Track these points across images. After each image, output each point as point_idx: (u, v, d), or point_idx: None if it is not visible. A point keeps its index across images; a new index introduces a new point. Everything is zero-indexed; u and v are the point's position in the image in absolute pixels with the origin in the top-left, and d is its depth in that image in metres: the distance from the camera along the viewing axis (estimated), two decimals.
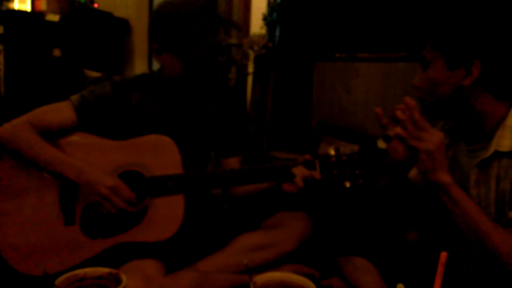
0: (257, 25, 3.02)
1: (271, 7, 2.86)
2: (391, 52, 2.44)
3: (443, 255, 0.65)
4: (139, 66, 3.43)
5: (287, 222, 1.30)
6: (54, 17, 3.09)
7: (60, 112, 1.26)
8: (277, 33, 2.83)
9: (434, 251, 0.73)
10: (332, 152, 1.16)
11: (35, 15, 3.05)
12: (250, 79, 2.98)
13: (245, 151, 1.45)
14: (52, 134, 1.25)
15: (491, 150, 0.98)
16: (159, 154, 1.23)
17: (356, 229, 1.22)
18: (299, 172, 1.12)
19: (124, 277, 0.74)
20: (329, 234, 1.25)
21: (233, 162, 1.40)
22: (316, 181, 1.12)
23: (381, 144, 1.23)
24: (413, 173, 1.19)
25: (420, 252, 1.16)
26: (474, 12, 0.98)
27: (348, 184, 1.14)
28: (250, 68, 2.95)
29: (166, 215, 1.20)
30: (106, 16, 3.35)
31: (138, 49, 3.38)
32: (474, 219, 0.92)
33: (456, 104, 1.00)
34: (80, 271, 0.77)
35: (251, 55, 2.90)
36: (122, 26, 3.43)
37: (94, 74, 2.96)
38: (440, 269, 0.64)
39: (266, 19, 2.88)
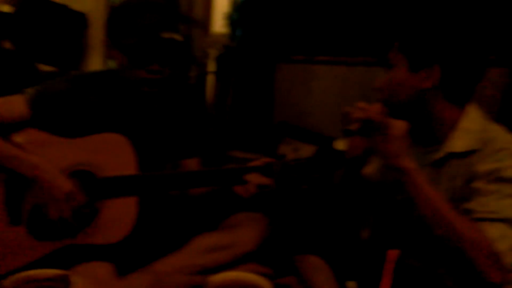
0: (219, 24, 3.01)
1: (233, 7, 2.86)
2: (350, 56, 2.50)
3: (392, 253, 0.67)
4: (96, 62, 3.33)
5: (245, 223, 1.30)
6: (6, 8, 2.94)
7: (13, 105, 1.20)
8: (239, 33, 2.83)
9: (385, 249, 0.76)
10: (289, 155, 1.18)
11: None
12: (211, 78, 2.97)
13: (204, 152, 1.44)
14: (2, 129, 1.19)
15: (444, 151, 1.04)
16: (113, 153, 1.19)
17: (311, 228, 1.24)
18: (253, 178, 1.13)
19: (73, 279, 0.72)
20: (285, 234, 1.26)
21: (192, 164, 1.39)
22: (270, 185, 1.13)
23: (339, 145, 1.26)
24: (368, 169, 1.23)
25: (371, 249, 1.19)
26: (437, 21, 1.04)
27: (304, 187, 1.16)
28: (211, 67, 2.94)
29: (118, 217, 1.17)
30: (61, 9, 3.23)
31: (95, 44, 3.27)
32: (438, 206, 0.95)
33: (416, 107, 1.05)
34: (27, 273, 0.74)
35: (212, 54, 2.89)
36: (79, 20, 3.32)
37: (48, 68, 2.84)
38: (389, 267, 0.66)
39: (228, 18, 2.87)
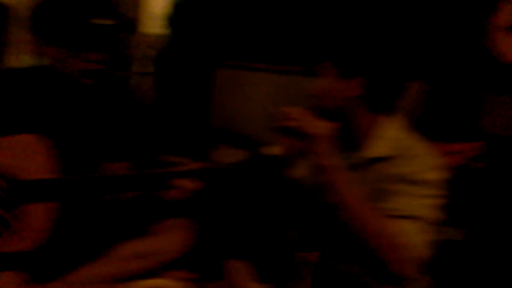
0: (151, 24, 2.95)
1: (172, 8, 2.82)
2: (285, 64, 2.56)
3: (309, 255, 0.69)
4: (19, 58, 3.12)
5: (171, 229, 1.28)
6: None
7: None
8: (176, 35, 2.79)
9: (312, 250, 0.79)
10: (223, 159, 1.18)
11: None
12: (146, 80, 2.89)
13: (134, 155, 1.40)
14: None
15: (363, 157, 1.12)
16: (31, 155, 1.11)
17: (240, 232, 1.25)
18: (182, 183, 1.11)
19: None
20: (214, 238, 1.26)
21: (119, 167, 1.34)
22: (200, 190, 1.13)
23: (271, 150, 1.28)
24: (297, 171, 1.27)
25: (299, 250, 1.23)
26: (365, 36, 1.13)
27: (238, 192, 1.17)
28: (146, 68, 2.86)
29: (32, 224, 1.09)
30: None
31: (19, 39, 3.07)
32: (355, 203, 1.00)
33: (342, 114, 1.11)
34: None
35: (148, 54, 2.82)
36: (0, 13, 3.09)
37: None
38: (307, 269, 0.68)
39: (166, 19, 2.82)
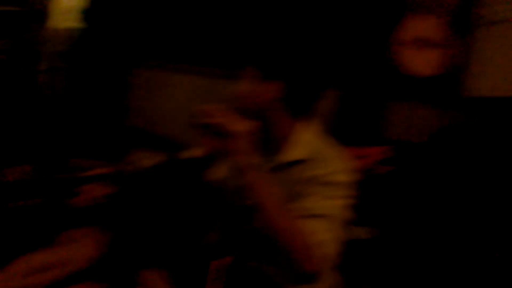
0: (65, 18, 2.76)
1: (88, 2, 2.66)
2: (208, 66, 2.54)
3: (224, 260, 0.68)
4: None
5: (80, 238, 1.20)
6: None
7: None
8: (91, 30, 2.64)
9: (228, 254, 0.78)
10: (139, 162, 1.13)
11: None
12: (56, 76, 2.69)
13: (39, 158, 1.29)
14: None
15: (280, 159, 1.14)
16: None
17: (153, 238, 1.21)
18: (92, 188, 1.05)
19: None
20: (127, 247, 1.20)
21: (21, 171, 1.23)
22: (112, 195, 1.07)
23: (191, 153, 1.25)
24: (219, 172, 1.26)
25: (215, 256, 1.22)
26: (287, 42, 1.14)
27: (153, 197, 1.13)
28: (57, 64, 2.67)
29: None
30: None
31: None
32: (271, 205, 1.01)
33: (262, 116, 1.13)
34: None
35: (58, 50, 2.63)
36: None
37: None
38: (222, 274, 0.67)
39: (81, 13, 2.66)
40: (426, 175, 2.07)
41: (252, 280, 1.13)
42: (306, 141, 1.14)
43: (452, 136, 2.19)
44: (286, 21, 2.18)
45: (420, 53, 2.29)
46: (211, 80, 2.52)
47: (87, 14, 2.64)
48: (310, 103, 1.16)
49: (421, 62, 2.31)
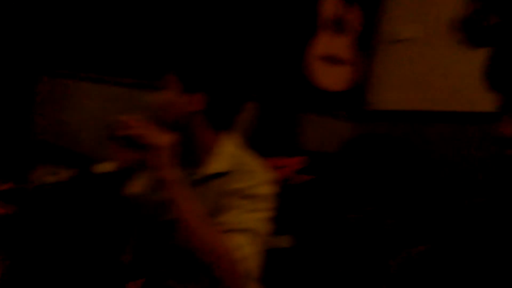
0: None
1: None
2: (121, 76, 2.44)
3: (136, 283, 0.65)
4: None
5: None
6: None
7: None
8: None
9: (144, 273, 0.74)
10: (45, 178, 1.04)
11: None
12: None
13: None
14: None
15: (202, 173, 1.12)
16: None
17: (60, 262, 1.12)
18: None
19: None
20: (30, 271, 1.09)
21: None
22: (9, 215, 0.97)
23: (104, 167, 1.18)
24: (136, 186, 1.21)
25: (135, 274, 1.16)
26: (207, 54, 1.15)
27: (59, 216, 1.04)
28: None
29: None
30: None
31: None
32: (193, 220, 0.98)
33: (182, 128, 1.10)
34: None
35: None
36: None
37: None
38: None
39: None
40: (338, 183, 2.18)
41: None
42: (229, 154, 1.14)
43: (359, 147, 2.34)
44: (207, 34, 2.18)
45: (329, 69, 2.43)
46: (124, 90, 2.43)
47: None
48: (232, 115, 1.16)
49: (330, 77, 2.45)
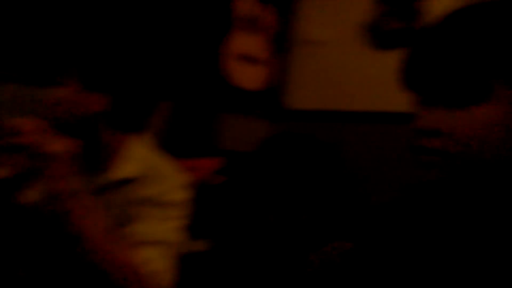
0: None
1: None
2: (14, 71, 2.19)
3: None
4: None
5: None
6: None
7: None
8: None
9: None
10: None
11: None
12: None
13: None
14: None
15: (109, 178, 1.02)
16: None
17: None
18: None
19: None
20: None
21: None
22: None
23: None
24: (30, 196, 1.06)
25: None
26: (111, 50, 1.02)
27: None
28: None
29: None
30: None
31: None
32: (95, 234, 0.88)
33: (84, 130, 0.99)
34: None
35: None
36: None
37: None
38: None
39: None
40: (256, 183, 2.17)
41: None
42: (138, 157, 1.05)
43: (275, 146, 2.36)
44: (112, 28, 2.04)
45: (244, 68, 2.41)
46: (19, 86, 2.18)
47: None
48: (141, 116, 1.07)
49: (246, 76, 2.43)
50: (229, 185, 2.10)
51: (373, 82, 2.23)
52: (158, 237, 0.96)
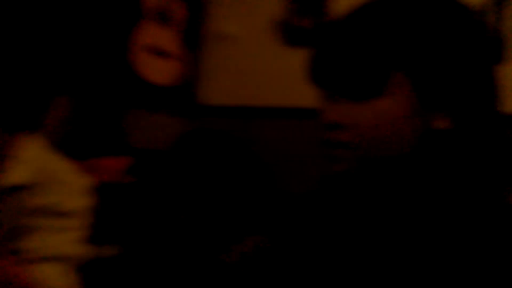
0: None
1: None
2: None
3: None
4: None
5: None
6: None
7: None
8: None
9: None
10: None
11: None
12: None
13: None
14: None
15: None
16: None
17: None
18: None
19: None
20: None
21: None
22: None
23: None
24: None
25: None
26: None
27: None
28: None
29: None
30: None
31: None
32: None
33: None
34: None
35: None
36: None
37: None
38: None
39: None
40: (169, 182, 2.11)
41: None
42: (30, 161, 0.94)
43: (190, 142, 2.31)
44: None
45: (155, 62, 2.32)
46: None
47: None
48: (33, 113, 0.96)
49: (157, 70, 2.34)
50: (139, 185, 2.01)
51: (285, 78, 2.28)
52: (55, 251, 0.88)
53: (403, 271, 0.56)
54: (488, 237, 0.53)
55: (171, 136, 2.32)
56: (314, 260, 0.64)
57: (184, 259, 1.86)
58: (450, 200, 0.57)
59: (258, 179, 2.22)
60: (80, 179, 0.97)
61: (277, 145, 2.29)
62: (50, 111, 0.99)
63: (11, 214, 0.90)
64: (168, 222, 1.97)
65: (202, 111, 2.53)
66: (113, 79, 2.20)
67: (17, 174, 0.92)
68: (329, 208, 0.67)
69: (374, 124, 0.57)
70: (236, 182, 2.15)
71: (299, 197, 0.74)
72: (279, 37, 2.34)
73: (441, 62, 0.56)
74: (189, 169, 2.15)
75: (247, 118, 2.40)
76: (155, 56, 2.31)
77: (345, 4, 0.62)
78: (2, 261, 0.81)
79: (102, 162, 1.91)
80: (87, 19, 2.07)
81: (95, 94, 2.12)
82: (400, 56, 0.56)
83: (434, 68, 0.56)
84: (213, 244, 1.90)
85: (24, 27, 1.00)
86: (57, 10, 1.90)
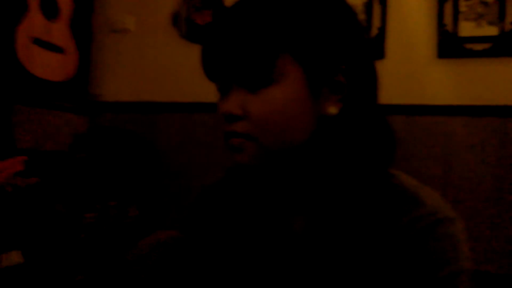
0: None
1: None
2: None
3: None
4: None
5: None
6: None
7: None
8: None
9: None
10: None
11: None
12: None
13: None
14: None
15: None
16: None
17: None
18: None
19: None
20: None
21: None
22: None
23: None
24: None
25: None
26: None
27: None
28: None
29: None
30: None
31: None
32: None
33: None
34: None
35: None
36: None
37: None
38: None
39: None
40: (69, 182, 2.01)
41: None
42: None
43: (88, 140, 2.22)
44: None
45: (42, 55, 2.18)
46: None
47: None
48: None
49: (45, 64, 2.20)
50: (33, 187, 1.89)
51: (182, 73, 2.29)
52: None
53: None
54: (370, 208, 0.58)
55: (67, 134, 2.21)
56: (221, 251, 0.65)
57: (88, 262, 1.81)
58: (342, 179, 0.59)
59: (159, 175, 2.23)
60: None
61: (179, 139, 2.30)
62: None
63: None
64: (67, 222, 1.89)
65: (100, 107, 2.44)
66: None
67: None
68: (234, 198, 0.67)
69: (268, 112, 0.56)
70: (136, 179, 2.12)
71: (205, 189, 0.74)
72: (176, 32, 2.33)
73: (324, 43, 0.57)
74: (89, 168, 2.08)
75: (145, 114, 2.37)
76: (42, 50, 2.16)
77: None
78: None
79: None
80: None
81: None
82: (282, 38, 0.56)
83: (318, 50, 0.57)
84: (118, 241, 1.88)
85: None
86: None
